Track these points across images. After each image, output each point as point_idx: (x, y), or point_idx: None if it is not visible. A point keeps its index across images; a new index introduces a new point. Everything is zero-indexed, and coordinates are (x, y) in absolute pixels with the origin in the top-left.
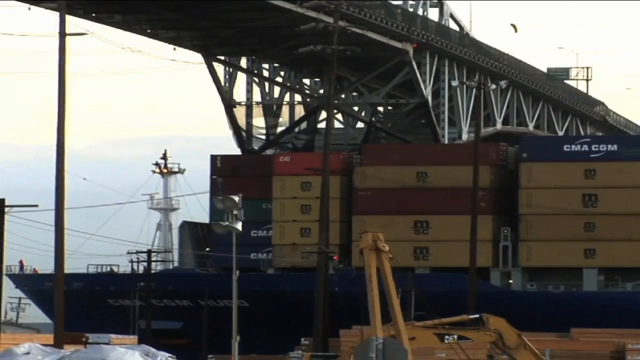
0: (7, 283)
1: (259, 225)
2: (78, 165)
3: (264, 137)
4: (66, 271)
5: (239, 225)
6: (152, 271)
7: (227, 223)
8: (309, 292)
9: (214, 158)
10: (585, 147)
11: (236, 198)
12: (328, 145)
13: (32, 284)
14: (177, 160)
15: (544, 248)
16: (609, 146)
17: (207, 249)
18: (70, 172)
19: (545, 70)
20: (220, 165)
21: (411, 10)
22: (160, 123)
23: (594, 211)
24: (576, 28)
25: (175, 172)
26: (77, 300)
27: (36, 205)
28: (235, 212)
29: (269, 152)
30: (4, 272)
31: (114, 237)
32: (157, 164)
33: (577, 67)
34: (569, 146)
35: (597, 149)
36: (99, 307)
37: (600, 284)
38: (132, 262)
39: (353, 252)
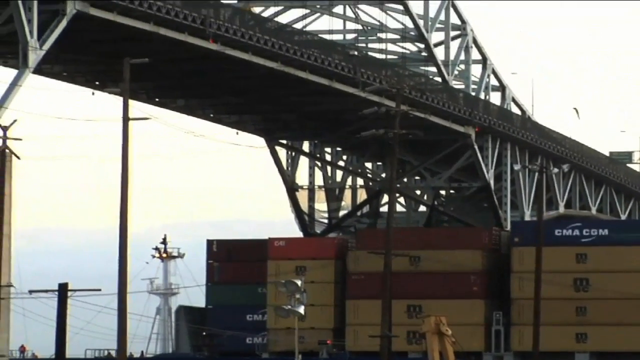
0: None
1: (254, 309)
2: (139, 248)
3: (326, 220)
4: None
5: (301, 309)
6: (149, 355)
7: (289, 307)
8: None
9: (210, 243)
10: (577, 232)
11: (299, 282)
12: (390, 229)
13: None
14: None
15: None
16: (600, 231)
17: (204, 333)
18: (132, 256)
19: (607, 154)
20: (216, 250)
21: (473, 94)
22: (221, 207)
23: (585, 295)
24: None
25: (174, 257)
26: None
27: (99, 290)
28: (297, 295)
29: (332, 235)
30: (8, 357)
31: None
32: (156, 249)
33: None
34: (560, 231)
35: (588, 234)
36: None
37: None
38: (194, 346)
39: (347, 335)
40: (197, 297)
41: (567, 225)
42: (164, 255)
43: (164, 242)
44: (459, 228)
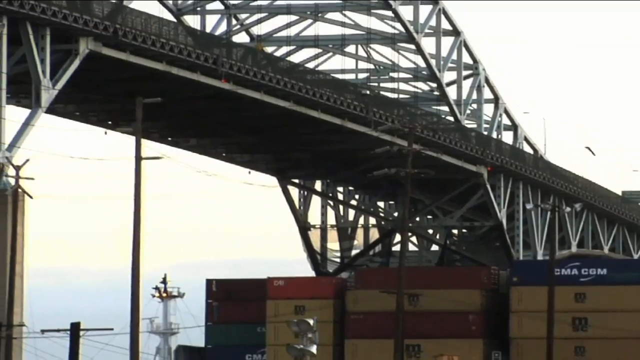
0: None
1: (253, 348)
2: (147, 288)
3: (338, 260)
4: None
5: (314, 349)
6: None
7: (301, 346)
8: None
9: (209, 282)
10: (575, 271)
11: (311, 321)
12: (403, 268)
13: None
14: None
15: None
16: (599, 270)
17: None
18: (145, 296)
19: (620, 193)
20: (216, 290)
21: (485, 133)
22: (233, 246)
23: (584, 335)
24: None
25: (174, 296)
26: None
27: (111, 329)
28: (309, 335)
29: (344, 274)
30: None
31: None
32: (156, 288)
33: None
34: (558, 270)
35: (586, 273)
36: None
37: None
38: None
39: None
40: (197, 337)
41: (565, 264)
42: (164, 294)
43: (164, 281)
44: (457, 267)
